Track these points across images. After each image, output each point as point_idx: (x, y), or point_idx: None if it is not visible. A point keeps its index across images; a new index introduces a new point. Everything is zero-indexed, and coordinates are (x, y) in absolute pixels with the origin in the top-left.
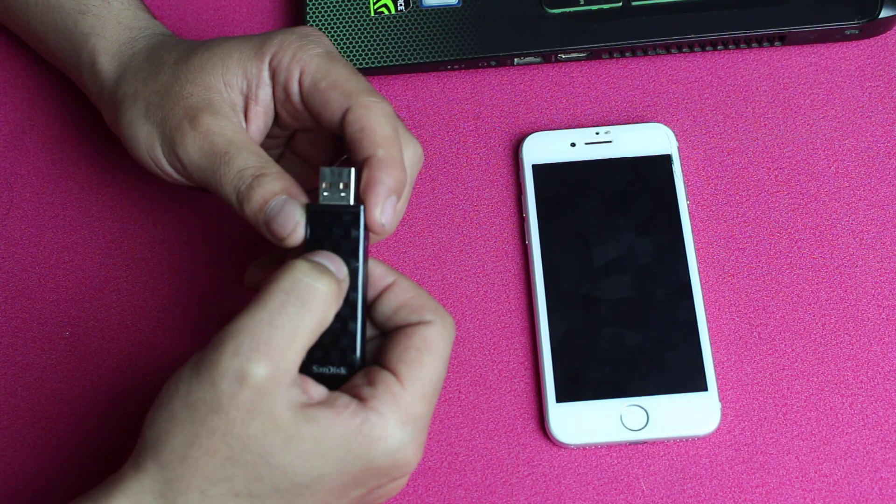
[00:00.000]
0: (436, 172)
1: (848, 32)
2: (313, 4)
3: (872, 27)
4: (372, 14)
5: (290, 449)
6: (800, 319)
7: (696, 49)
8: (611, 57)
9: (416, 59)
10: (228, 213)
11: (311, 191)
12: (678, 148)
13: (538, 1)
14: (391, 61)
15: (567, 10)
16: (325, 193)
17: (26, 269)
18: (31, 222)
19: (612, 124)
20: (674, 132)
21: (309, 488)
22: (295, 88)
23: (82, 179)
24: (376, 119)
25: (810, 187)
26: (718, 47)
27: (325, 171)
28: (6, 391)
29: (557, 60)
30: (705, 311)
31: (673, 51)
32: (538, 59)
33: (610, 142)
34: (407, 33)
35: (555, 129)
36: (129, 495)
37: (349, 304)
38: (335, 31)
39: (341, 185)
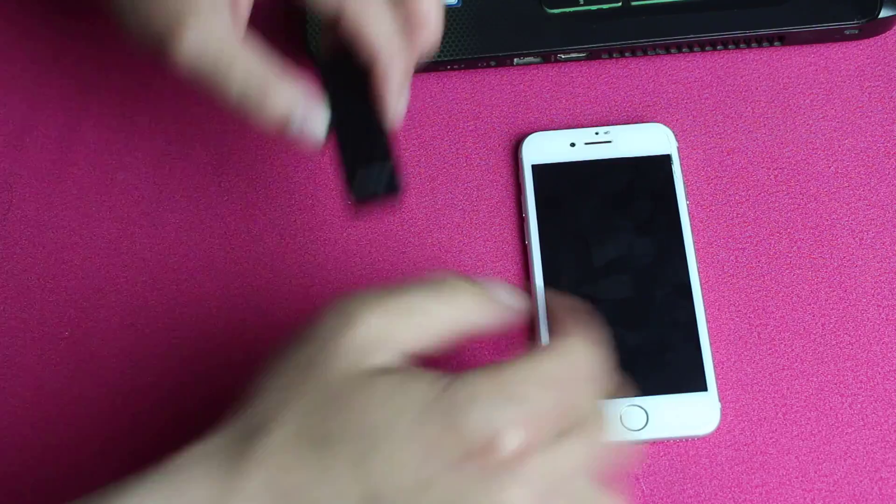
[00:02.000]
0: (436, 172)
1: (848, 32)
2: None
3: (872, 27)
4: None
5: (369, 395)
6: (800, 319)
7: (696, 49)
8: (611, 57)
9: None
10: (229, 212)
11: None
12: (678, 148)
13: (538, 1)
14: None
15: (567, 10)
16: None
17: (26, 269)
18: (31, 222)
19: (612, 124)
20: (674, 132)
21: (387, 440)
22: None
23: (82, 179)
24: (370, 20)
25: (810, 187)
26: (718, 47)
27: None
28: (6, 391)
29: (557, 60)
30: (705, 311)
31: (673, 51)
32: (538, 59)
33: (609, 142)
34: None
35: (554, 129)
36: (207, 441)
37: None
38: None
39: None
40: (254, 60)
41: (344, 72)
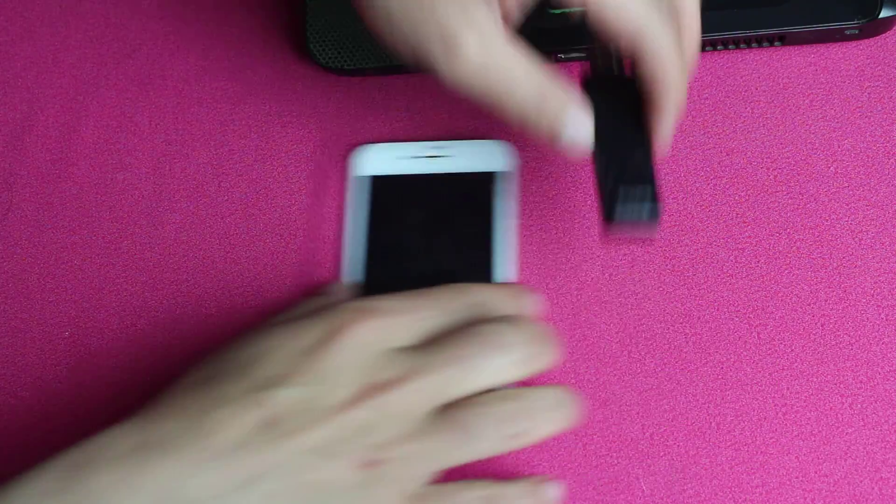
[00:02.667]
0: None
1: (848, 32)
2: (313, 4)
3: (872, 27)
4: None
5: (240, 343)
6: (799, 319)
7: None
8: None
9: None
10: (229, 212)
11: None
12: (516, 165)
13: None
14: (391, 61)
15: (567, 10)
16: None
17: (26, 269)
18: (31, 222)
19: None
20: (516, 149)
21: (265, 353)
22: None
23: (82, 179)
24: (656, 63)
25: (810, 187)
26: (718, 47)
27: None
28: (6, 391)
29: (557, 60)
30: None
31: None
32: None
33: (448, 157)
34: None
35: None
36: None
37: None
38: (335, 32)
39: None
40: (530, 69)
41: (611, 83)
